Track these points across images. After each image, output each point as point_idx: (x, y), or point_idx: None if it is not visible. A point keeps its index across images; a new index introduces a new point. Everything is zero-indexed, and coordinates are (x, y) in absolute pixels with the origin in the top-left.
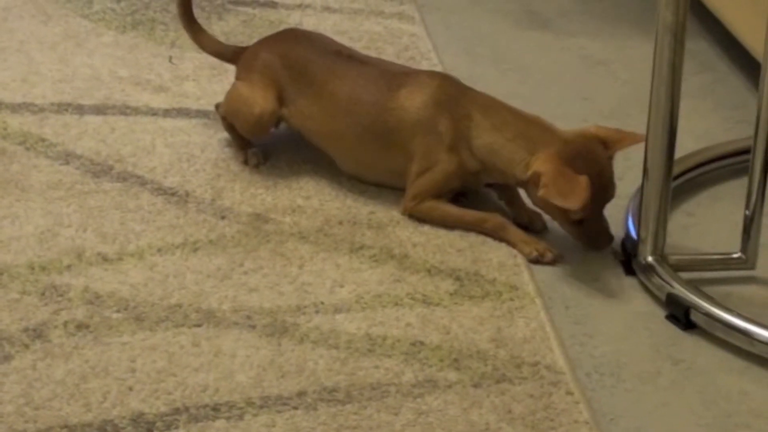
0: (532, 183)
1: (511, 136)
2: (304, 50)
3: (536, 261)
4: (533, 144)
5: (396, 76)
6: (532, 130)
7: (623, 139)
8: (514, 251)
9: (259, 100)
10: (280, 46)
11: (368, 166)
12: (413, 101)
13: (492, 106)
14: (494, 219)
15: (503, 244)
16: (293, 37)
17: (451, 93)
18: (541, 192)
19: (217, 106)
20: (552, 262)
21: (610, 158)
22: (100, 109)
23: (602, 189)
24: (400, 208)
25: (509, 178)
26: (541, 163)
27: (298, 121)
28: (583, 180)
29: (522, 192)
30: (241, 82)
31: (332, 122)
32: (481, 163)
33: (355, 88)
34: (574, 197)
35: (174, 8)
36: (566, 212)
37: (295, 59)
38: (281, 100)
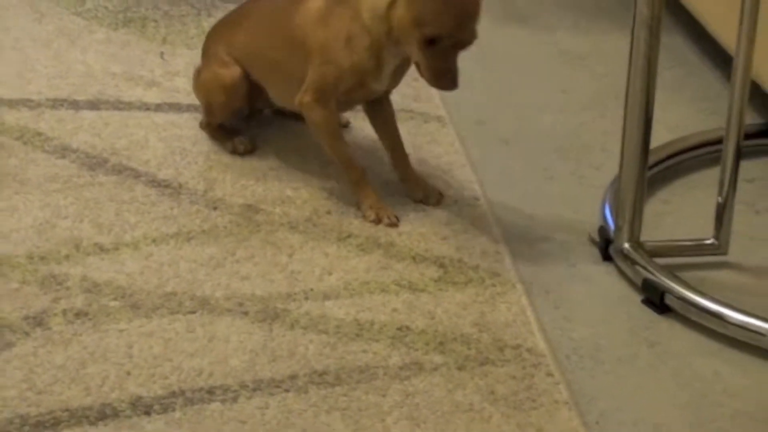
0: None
1: None
2: (233, 11)
3: (375, 222)
4: None
5: None
6: None
7: None
8: (497, 237)
9: (224, 71)
10: (221, 25)
11: (288, 79)
12: (315, 1)
13: None
14: (359, 174)
15: (486, 233)
16: (226, 15)
17: None
18: None
19: (201, 124)
20: (389, 226)
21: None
22: (94, 104)
23: (458, 16)
24: (296, 98)
25: (384, 11)
26: None
27: (250, 65)
28: None
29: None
30: (201, 69)
31: (255, 43)
32: (372, 27)
33: (270, 4)
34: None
35: (164, 6)
36: (421, 27)
37: (228, 22)
38: (241, 63)
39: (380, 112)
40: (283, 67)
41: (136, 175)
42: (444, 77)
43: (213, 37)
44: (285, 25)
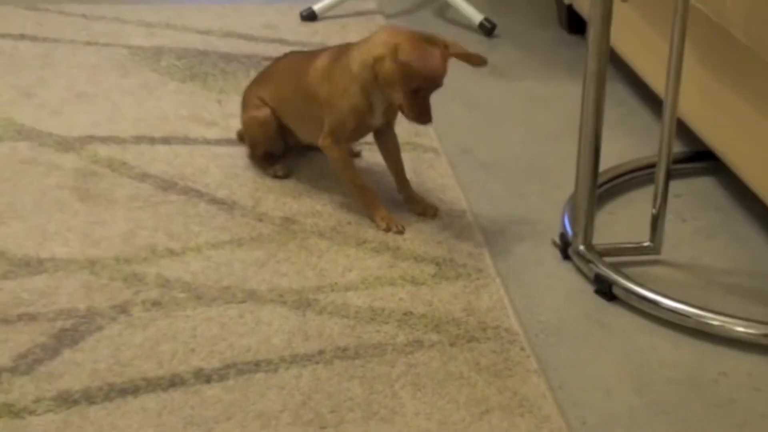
0: (389, 57)
1: (376, 34)
2: (263, 69)
3: (386, 231)
4: (392, 30)
5: (319, 50)
6: (393, 27)
7: (459, 47)
8: (480, 242)
9: (258, 113)
10: (256, 80)
11: (308, 122)
12: (322, 61)
13: (364, 38)
14: (370, 195)
15: (472, 239)
16: (258, 73)
17: (344, 48)
18: (401, 58)
19: (248, 155)
20: (396, 233)
21: (447, 55)
22: (167, 140)
23: (434, 74)
24: (318, 142)
25: (372, 63)
26: (400, 40)
27: (278, 111)
28: (437, 52)
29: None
30: (242, 115)
31: (280, 95)
32: (362, 77)
33: (291, 62)
34: (433, 63)
35: (221, 64)
36: (407, 83)
37: (259, 78)
38: (271, 107)
39: (386, 144)
40: (303, 114)
41: (200, 194)
42: (424, 115)
43: (249, 90)
44: (300, 82)
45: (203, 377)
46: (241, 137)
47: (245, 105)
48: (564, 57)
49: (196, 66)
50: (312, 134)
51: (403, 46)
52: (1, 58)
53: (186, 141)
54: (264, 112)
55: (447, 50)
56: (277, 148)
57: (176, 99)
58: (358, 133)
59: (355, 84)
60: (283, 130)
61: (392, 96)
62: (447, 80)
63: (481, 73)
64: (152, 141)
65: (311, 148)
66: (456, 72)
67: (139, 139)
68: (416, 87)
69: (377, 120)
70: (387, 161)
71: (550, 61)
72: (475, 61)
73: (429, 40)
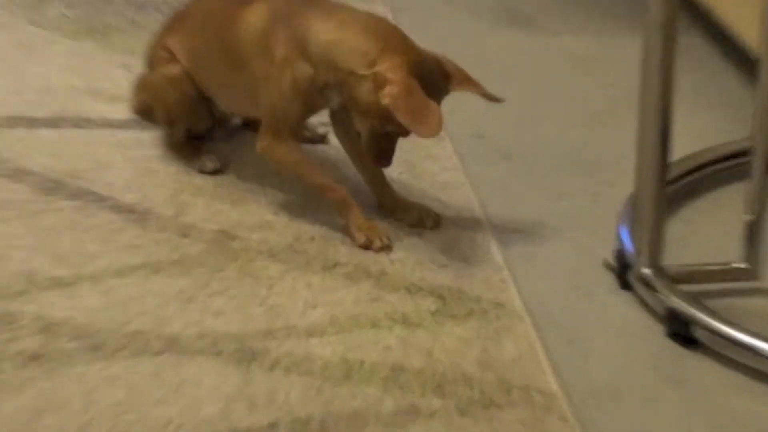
0: (372, 81)
1: (358, 31)
2: (175, 13)
3: (365, 248)
4: (383, 41)
5: None
6: (383, 28)
7: (466, 81)
8: (500, 264)
9: (169, 69)
10: (165, 26)
11: (230, 88)
12: (256, 14)
13: (339, 9)
14: (340, 193)
15: (488, 260)
16: (167, 19)
17: (293, 5)
18: (386, 101)
19: (166, 142)
20: (378, 251)
21: (446, 92)
22: (53, 122)
23: (424, 136)
24: (256, 146)
25: (342, 72)
26: (390, 69)
27: (192, 68)
28: (436, 109)
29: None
30: (146, 77)
31: (195, 42)
32: (319, 67)
33: (212, 6)
34: (428, 126)
35: (130, 13)
36: (381, 122)
37: (169, 26)
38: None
39: (348, 130)
40: (224, 76)
41: (99, 199)
42: (384, 158)
43: (155, 42)
44: (224, 34)
45: None
46: (143, 111)
47: (151, 61)
48: (618, 0)
49: (95, 16)
50: (235, 104)
51: (394, 86)
52: None
53: (79, 123)
54: (176, 68)
55: (449, 84)
56: (200, 124)
57: (66, 63)
58: (310, 112)
59: (307, 68)
60: (206, 99)
61: (354, 117)
62: (449, 34)
63: (501, 23)
64: (32, 123)
65: (253, 127)
66: (466, 24)
67: (13, 121)
68: (390, 131)
69: (332, 102)
70: (351, 154)
71: (598, 5)
72: (489, 98)
73: (429, 67)
